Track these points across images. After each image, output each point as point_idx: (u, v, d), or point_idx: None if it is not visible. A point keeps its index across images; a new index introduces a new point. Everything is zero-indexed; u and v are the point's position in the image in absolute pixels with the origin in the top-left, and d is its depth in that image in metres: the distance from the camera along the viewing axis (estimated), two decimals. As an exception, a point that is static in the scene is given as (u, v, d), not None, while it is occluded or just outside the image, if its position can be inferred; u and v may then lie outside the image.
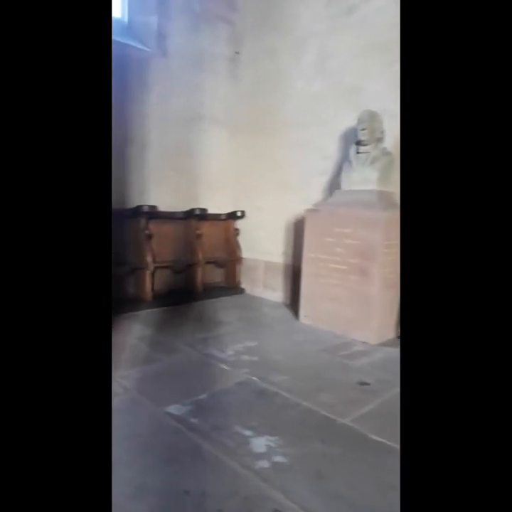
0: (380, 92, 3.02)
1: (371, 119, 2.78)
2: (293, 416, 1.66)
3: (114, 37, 2.35)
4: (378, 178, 2.75)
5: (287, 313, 3.35)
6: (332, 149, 3.36)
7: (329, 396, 1.84)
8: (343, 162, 3.25)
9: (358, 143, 2.86)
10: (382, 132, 2.82)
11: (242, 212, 4.07)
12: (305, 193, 3.54)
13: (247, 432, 1.52)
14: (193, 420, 1.59)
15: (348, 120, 3.21)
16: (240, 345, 2.51)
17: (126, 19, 3.68)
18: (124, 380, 1.93)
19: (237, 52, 4.13)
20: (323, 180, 3.43)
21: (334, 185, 3.32)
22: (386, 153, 2.80)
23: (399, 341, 2.72)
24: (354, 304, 2.70)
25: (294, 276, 3.65)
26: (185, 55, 3.78)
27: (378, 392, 1.90)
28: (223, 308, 3.46)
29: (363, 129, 2.77)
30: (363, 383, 2.01)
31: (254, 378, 2.02)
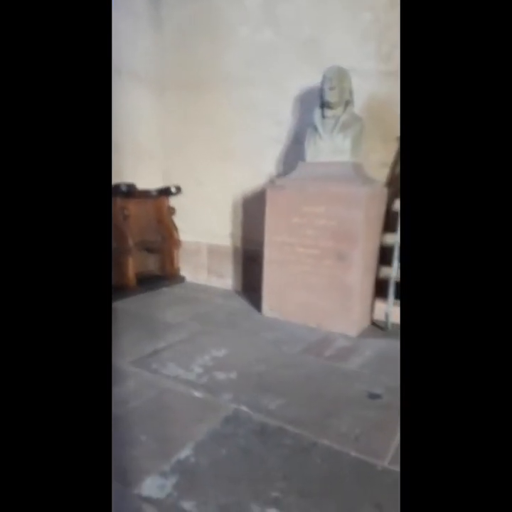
0: (344, 47, 2.62)
1: (340, 77, 2.37)
2: (318, 466, 1.27)
3: None
4: (352, 148, 2.39)
5: (244, 304, 2.92)
6: (286, 113, 2.91)
7: (345, 423, 1.49)
8: (300, 128, 2.83)
9: (325, 105, 2.44)
10: (351, 93, 2.44)
11: (178, 187, 3.45)
12: (255, 165, 3.07)
13: None
14: (186, 506, 1.11)
15: (305, 78, 2.78)
16: (205, 356, 2.03)
17: None
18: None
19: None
20: (276, 149, 2.98)
21: (291, 155, 2.90)
22: (357, 118, 2.44)
23: (376, 329, 2.48)
24: (330, 293, 2.37)
25: (245, 260, 3.22)
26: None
27: (394, 406, 1.60)
28: (166, 303, 2.90)
29: (332, 89, 2.35)
30: (372, 395, 1.69)
31: (244, 408, 1.58)
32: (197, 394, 1.69)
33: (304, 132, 2.76)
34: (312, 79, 2.74)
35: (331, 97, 2.37)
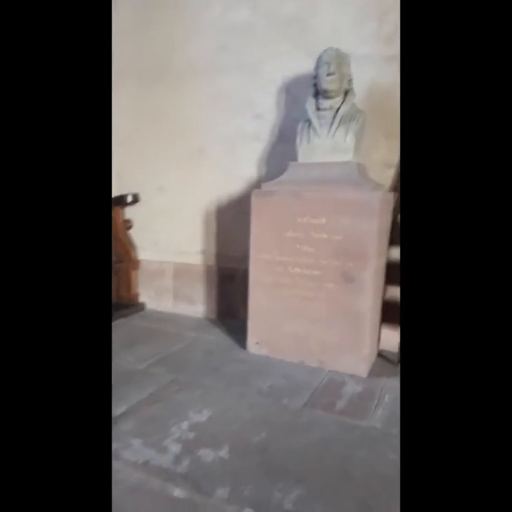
0: (336, 27, 2.21)
1: (340, 61, 1.94)
2: None
3: None
4: (355, 146, 1.97)
5: (223, 337, 2.39)
6: (267, 105, 2.44)
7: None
8: (285, 123, 2.39)
9: (320, 94, 2.00)
10: (350, 81, 2.02)
11: (135, 195, 2.88)
12: (230, 167, 2.57)
13: None
14: None
15: (289, 65, 2.34)
16: (183, 423, 1.48)
17: None
18: None
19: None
20: (256, 148, 2.50)
21: (275, 155, 2.44)
22: (358, 110, 2.02)
23: (384, 363, 2.05)
24: (335, 323, 1.91)
25: (220, 281, 2.69)
26: None
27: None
28: (123, 341, 2.30)
29: (330, 74, 1.92)
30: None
31: (251, 516, 1.06)
32: (178, 492, 1.15)
33: (290, 127, 2.33)
34: (297, 65, 2.31)
35: (329, 84, 1.93)
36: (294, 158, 2.12)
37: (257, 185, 2.45)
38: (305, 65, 2.26)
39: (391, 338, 2.14)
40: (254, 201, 2.03)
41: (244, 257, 2.51)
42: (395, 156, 2.15)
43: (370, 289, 1.83)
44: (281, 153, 2.41)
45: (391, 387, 1.79)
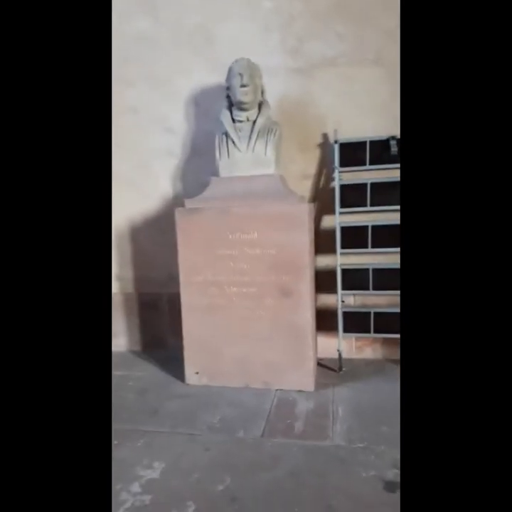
0: (242, 38, 2.18)
1: (252, 72, 1.91)
2: None
3: None
4: (276, 158, 1.94)
5: (155, 371, 2.17)
6: (178, 118, 2.31)
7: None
8: (197, 136, 2.29)
9: (235, 106, 1.95)
10: (264, 93, 2.00)
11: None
12: (142, 184, 2.38)
13: None
14: None
15: (196, 77, 2.25)
16: (132, 485, 1.28)
17: None
18: None
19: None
20: (170, 163, 2.35)
21: (190, 170, 2.32)
22: (273, 122, 2.01)
23: (326, 372, 2.06)
24: (277, 340, 1.85)
25: (141, 309, 2.47)
26: None
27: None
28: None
29: (244, 86, 1.87)
30: (389, 486, 1.22)
31: None
32: None
33: (203, 141, 2.24)
34: (205, 77, 2.23)
35: (244, 95, 1.88)
36: (211, 172, 2.03)
37: (173, 202, 2.31)
38: (213, 77, 2.19)
39: (327, 346, 2.16)
40: (180, 220, 1.88)
41: (168, 281, 2.34)
42: (311, 167, 2.18)
43: (308, 301, 1.82)
44: (196, 167, 2.29)
45: (341, 398, 1.79)
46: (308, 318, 1.83)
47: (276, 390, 1.86)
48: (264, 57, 2.10)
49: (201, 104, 2.27)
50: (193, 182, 2.29)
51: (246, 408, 1.72)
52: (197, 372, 1.95)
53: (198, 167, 2.28)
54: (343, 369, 2.05)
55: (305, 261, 1.79)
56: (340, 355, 2.05)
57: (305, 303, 1.82)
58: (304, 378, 1.85)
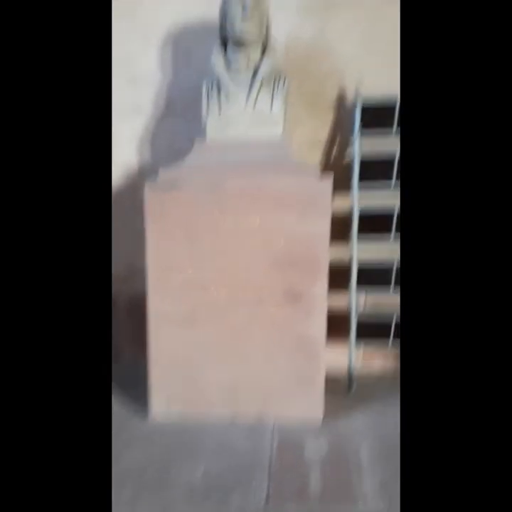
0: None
1: (257, -2, 1.40)
2: None
3: None
4: (285, 114, 1.46)
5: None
6: (147, 63, 1.76)
7: None
8: (175, 89, 1.77)
9: (233, 45, 1.44)
10: (269, 28, 1.51)
11: None
12: (98, 149, 1.81)
13: None
14: None
15: (172, 6, 1.71)
16: None
17: None
18: None
19: None
20: (135, 123, 1.80)
21: (162, 132, 1.80)
22: (278, 69, 1.52)
23: (334, 390, 1.63)
24: (279, 358, 1.40)
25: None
26: None
27: None
28: None
29: (246, 15, 1.36)
30: None
31: None
32: None
33: (183, 94, 1.74)
34: (184, 6, 1.70)
35: (246, 28, 1.38)
36: (192, 135, 1.53)
37: (139, 173, 1.79)
38: (197, 6, 1.67)
39: (331, 359, 1.74)
40: (151, 197, 1.36)
41: (128, 276, 1.83)
42: (322, 133, 1.72)
43: (322, 308, 1.38)
44: (171, 130, 1.77)
45: (359, 431, 1.38)
46: (322, 330, 1.39)
47: (275, 423, 1.42)
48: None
49: (180, 44, 1.73)
50: (166, 148, 1.77)
51: (238, 455, 1.27)
52: (167, 403, 1.44)
53: (174, 129, 1.76)
54: (354, 388, 1.64)
55: (323, 256, 1.34)
56: (350, 371, 1.64)
57: (319, 310, 1.38)
58: (311, 406, 1.42)
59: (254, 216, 1.33)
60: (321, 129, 1.71)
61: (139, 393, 1.51)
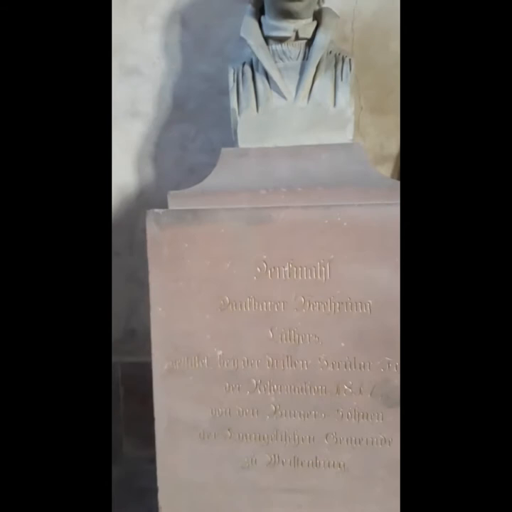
0: None
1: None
2: None
3: None
4: (355, 111, 0.99)
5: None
6: (148, 48, 1.30)
7: None
8: (185, 82, 1.32)
9: (278, 14, 0.97)
10: (322, -2, 1.05)
11: None
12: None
13: None
14: None
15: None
16: None
17: None
18: None
19: None
20: (132, 129, 1.32)
21: (169, 141, 1.33)
22: (340, 51, 1.05)
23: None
24: (366, 498, 0.87)
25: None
26: None
27: None
28: None
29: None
30: None
31: None
32: None
33: (193, 92, 1.27)
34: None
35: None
36: (215, 144, 1.08)
37: (138, 198, 1.31)
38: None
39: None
40: (157, 235, 0.85)
41: (125, 339, 1.33)
42: (392, 142, 1.25)
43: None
44: (179, 139, 1.30)
45: None
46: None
47: None
48: None
49: (191, 23, 1.27)
50: (173, 163, 1.30)
51: None
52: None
53: (185, 137, 1.29)
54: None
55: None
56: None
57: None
58: None
59: (322, 262, 0.83)
60: (391, 136, 1.23)
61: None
